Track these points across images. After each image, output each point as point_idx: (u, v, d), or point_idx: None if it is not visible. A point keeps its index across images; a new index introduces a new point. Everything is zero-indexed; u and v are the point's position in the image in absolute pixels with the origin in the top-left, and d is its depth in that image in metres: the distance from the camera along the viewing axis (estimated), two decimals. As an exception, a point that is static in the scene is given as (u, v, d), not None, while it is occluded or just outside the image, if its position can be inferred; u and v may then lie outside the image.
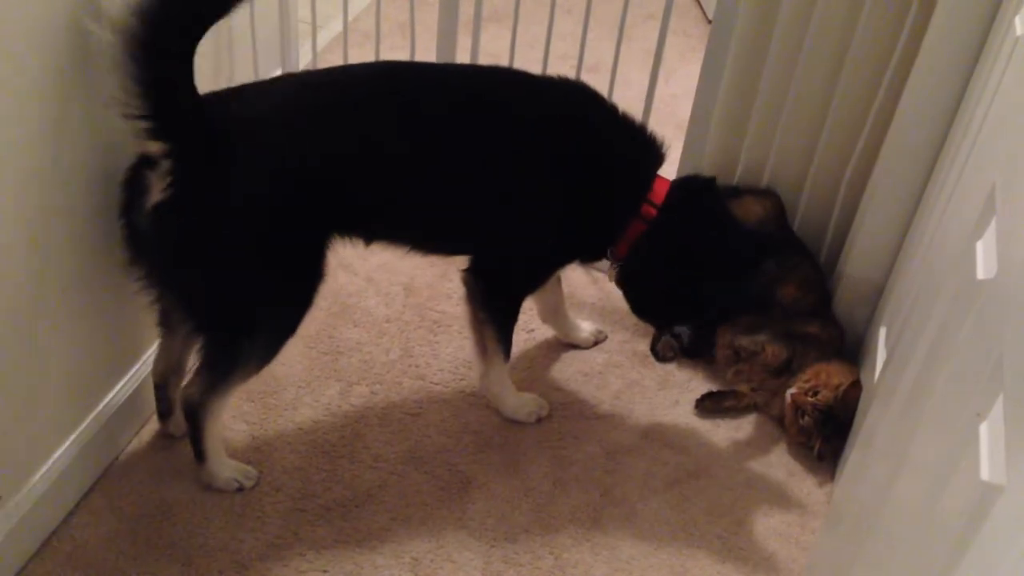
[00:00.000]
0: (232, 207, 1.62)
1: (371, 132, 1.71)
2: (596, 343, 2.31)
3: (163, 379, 1.90)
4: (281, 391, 2.09)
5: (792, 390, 2.06)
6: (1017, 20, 1.53)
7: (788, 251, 2.25)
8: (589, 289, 2.46)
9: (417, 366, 2.19)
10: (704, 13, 3.81)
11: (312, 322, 2.25)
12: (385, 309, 2.33)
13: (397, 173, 1.76)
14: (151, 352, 1.94)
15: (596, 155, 1.86)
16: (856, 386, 2.04)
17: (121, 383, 1.87)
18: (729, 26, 2.15)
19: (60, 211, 1.59)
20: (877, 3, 2.04)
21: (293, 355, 2.17)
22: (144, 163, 1.58)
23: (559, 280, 2.20)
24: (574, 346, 2.29)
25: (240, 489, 1.88)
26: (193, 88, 1.54)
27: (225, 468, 1.88)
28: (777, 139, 2.27)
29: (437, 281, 2.41)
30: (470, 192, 1.83)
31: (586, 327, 2.31)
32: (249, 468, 1.91)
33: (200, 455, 1.84)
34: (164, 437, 1.95)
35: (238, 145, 1.61)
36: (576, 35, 2.29)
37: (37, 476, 1.68)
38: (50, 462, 1.71)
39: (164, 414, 1.94)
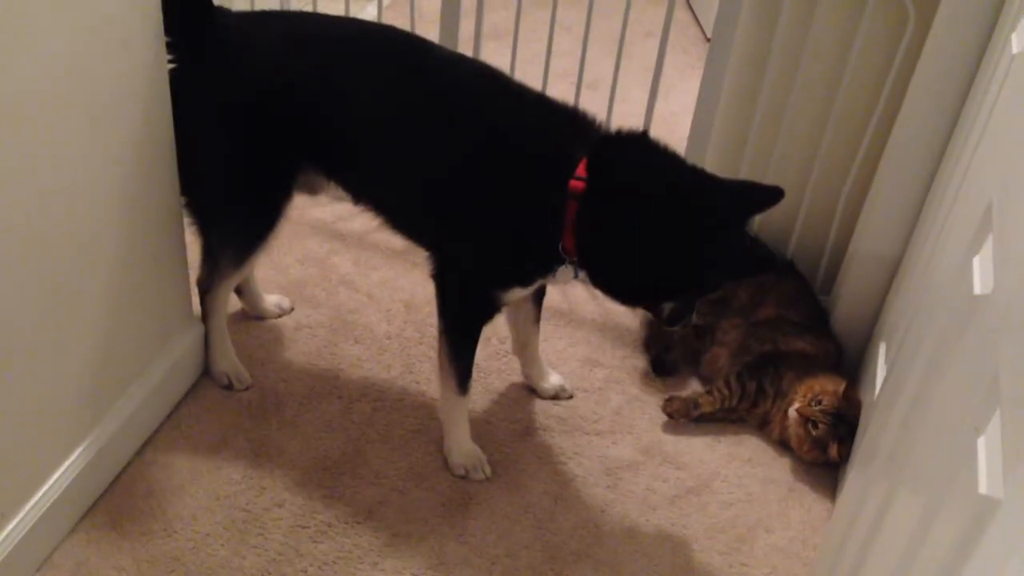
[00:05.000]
0: (211, 107, 1.86)
1: (356, 82, 1.83)
2: (555, 398, 2.19)
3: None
4: (282, 407, 2.09)
5: (795, 407, 2.06)
6: (1014, 37, 1.55)
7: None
8: (589, 305, 2.47)
9: (418, 382, 2.20)
10: (703, 31, 3.83)
11: (313, 339, 2.26)
12: (386, 326, 2.34)
13: (365, 127, 1.85)
14: (151, 366, 1.95)
15: (509, 142, 1.73)
16: (851, 385, 2.06)
17: (123, 399, 1.88)
18: (727, 44, 2.17)
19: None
20: (873, 22, 2.06)
21: (294, 371, 2.17)
22: None
23: (536, 317, 2.11)
24: (531, 389, 2.20)
25: (228, 387, 2.07)
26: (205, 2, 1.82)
27: (222, 361, 2.08)
28: (775, 156, 2.28)
29: (438, 297, 2.42)
30: (419, 177, 1.84)
31: (553, 379, 2.19)
32: (245, 374, 2.09)
33: (207, 338, 2.05)
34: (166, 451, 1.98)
35: (232, 55, 1.86)
36: (576, 52, 2.30)
37: (39, 494, 1.68)
38: (52, 480, 1.71)
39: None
